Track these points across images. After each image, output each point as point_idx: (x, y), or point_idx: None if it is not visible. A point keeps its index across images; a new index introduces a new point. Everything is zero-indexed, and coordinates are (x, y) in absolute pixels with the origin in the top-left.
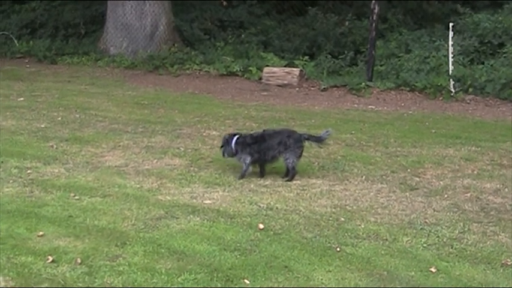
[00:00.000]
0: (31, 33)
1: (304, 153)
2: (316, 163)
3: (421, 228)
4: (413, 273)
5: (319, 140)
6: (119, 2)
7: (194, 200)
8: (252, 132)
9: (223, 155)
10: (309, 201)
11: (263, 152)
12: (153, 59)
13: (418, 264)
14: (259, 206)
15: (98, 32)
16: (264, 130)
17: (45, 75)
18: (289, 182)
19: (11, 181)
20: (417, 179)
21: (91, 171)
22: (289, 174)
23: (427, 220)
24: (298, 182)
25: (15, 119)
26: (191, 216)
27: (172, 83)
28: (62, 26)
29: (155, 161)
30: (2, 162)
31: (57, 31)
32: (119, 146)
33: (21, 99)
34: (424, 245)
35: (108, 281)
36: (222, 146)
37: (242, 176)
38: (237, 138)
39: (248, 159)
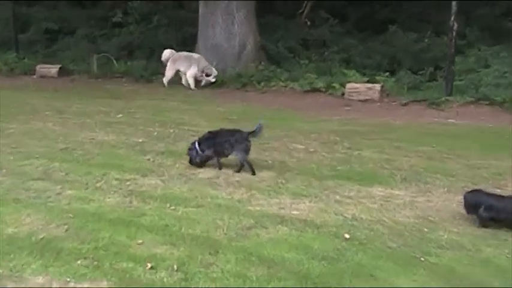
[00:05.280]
0: (129, 54)
1: (386, 165)
2: (399, 175)
3: (504, 239)
4: (497, 283)
5: (254, 133)
6: (209, 24)
7: (282, 211)
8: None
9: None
10: (392, 212)
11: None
12: (240, 77)
13: (502, 274)
14: (345, 217)
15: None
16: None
17: (141, 93)
18: (372, 193)
19: (112, 192)
20: (499, 190)
21: (185, 183)
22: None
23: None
24: (381, 193)
25: (115, 134)
26: (280, 226)
27: (258, 99)
28: (157, 47)
29: (244, 172)
30: (104, 174)
31: (152, 53)
32: None
33: (120, 115)
34: (508, 255)
35: (203, 287)
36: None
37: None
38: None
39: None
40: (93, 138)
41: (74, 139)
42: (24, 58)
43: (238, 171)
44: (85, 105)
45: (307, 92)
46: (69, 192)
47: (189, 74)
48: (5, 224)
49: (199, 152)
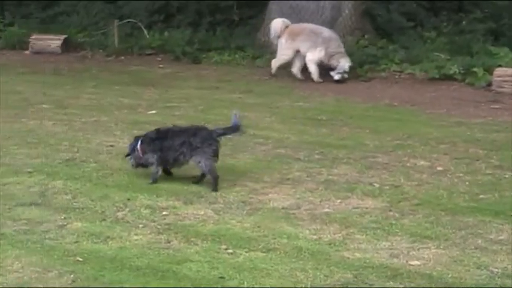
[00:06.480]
0: (166, 20)
1: None
2: None
3: None
4: None
5: (234, 129)
6: None
7: (395, 260)
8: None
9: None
10: None
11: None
12: None
13: None
14: (491, 272)
15: (257, 19)
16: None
17: (184, 78)
18: None
19: (140, 226)
20: None
21: (249, 215)
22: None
23: None
24: None
25: None
26: (391, 282)
27: (360, 90)
28: (208, 10)
29: (338, 201)
30: (129, 199)
31: (201, 18)
32: (287, 179)
33: (153, 112)
34: None
35: None
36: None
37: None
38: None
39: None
40: (112, 145)
41: (84, 146)
42: (11, 25)
43: (197, 181)
44: (100, 95)
45: (434, 80)
46: (77, 225)
47: (311, 58)
48: None
49: (139, 153)
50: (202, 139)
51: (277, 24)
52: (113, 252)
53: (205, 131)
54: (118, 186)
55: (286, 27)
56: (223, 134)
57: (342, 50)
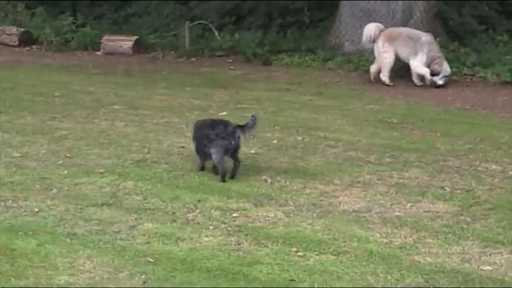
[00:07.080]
0: (236, 22)
1: None
2: None
3: None
4: None
5: (244, 129)
6: None
7: (466, 264)
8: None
9: None
10: None
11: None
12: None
13: None
14: None
15: (328, 21)
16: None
17: (255, 80)
18: None
19: (211, 227)
20: None
21: (319, 217)
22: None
23: None
24: None
25: None
26: (462, 287)
27: (432, 93)
28: (278, 12)
29: (409, 205)
30: (200, 201)
31: (272, 19)
32: (358, 182)
33: (224, 113)
34: None
35: None
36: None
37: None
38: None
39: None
40: (183, 147)
41: (155, 147)
42: (84, 25)
43: (233, 175)
44: (172, 96)
45: (506, 84)
46: (148, 225)
47: (416, 65)
48: (54, 269)
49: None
50: (218, 133)
51: (371, 28)
52: (183, 253)
53: (222, 125)
54: (189, 188)
55: (381, 31)
56: (235, 131)
57: (441, 53)
